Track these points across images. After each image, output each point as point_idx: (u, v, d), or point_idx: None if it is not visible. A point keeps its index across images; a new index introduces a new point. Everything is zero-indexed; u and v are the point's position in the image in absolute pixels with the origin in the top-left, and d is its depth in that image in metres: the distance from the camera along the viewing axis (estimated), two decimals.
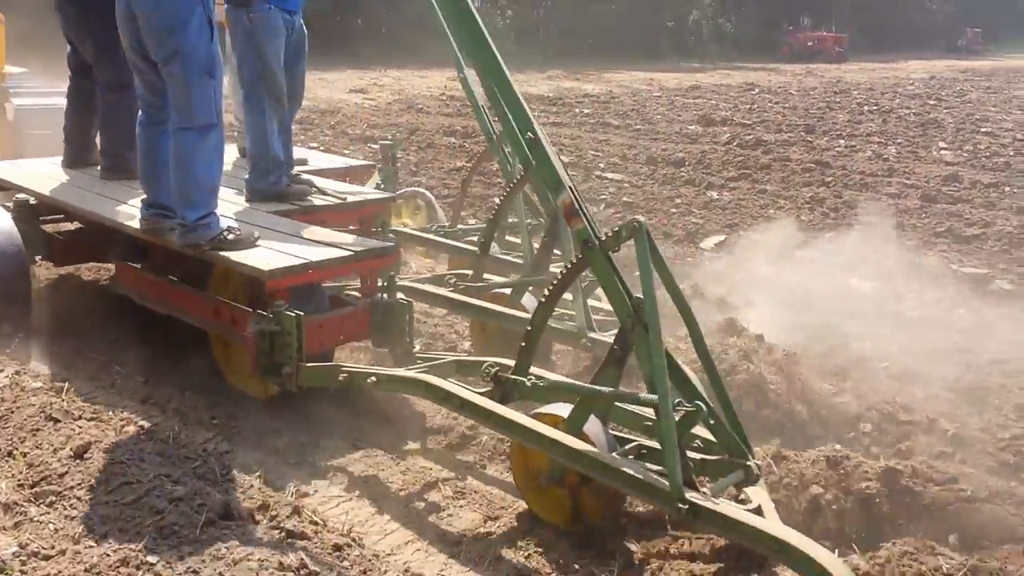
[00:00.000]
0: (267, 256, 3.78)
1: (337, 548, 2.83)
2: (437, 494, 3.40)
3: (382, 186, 5.75)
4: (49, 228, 5.00)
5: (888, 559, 2.63)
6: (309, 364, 3.57)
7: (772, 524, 2.56)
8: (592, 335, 3.95)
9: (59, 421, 3.49)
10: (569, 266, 3.08)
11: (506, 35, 34.98)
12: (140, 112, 4.11)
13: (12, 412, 3.61)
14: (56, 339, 4.64)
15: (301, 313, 3.55)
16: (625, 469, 2.75)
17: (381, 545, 3.06)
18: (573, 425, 2.93)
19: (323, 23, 29.15)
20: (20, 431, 3.47)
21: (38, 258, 4.94)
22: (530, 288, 4.35)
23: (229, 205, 4.41)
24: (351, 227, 4.62)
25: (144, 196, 4.14)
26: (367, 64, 26.02)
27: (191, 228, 3.88)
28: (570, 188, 2.87)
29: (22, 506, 3.00)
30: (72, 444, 3.28)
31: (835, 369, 4.20)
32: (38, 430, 3.46)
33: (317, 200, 4.65)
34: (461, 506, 3.32)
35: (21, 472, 3.19)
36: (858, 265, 5.90)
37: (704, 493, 2.68)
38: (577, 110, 16.25)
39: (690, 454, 2.85)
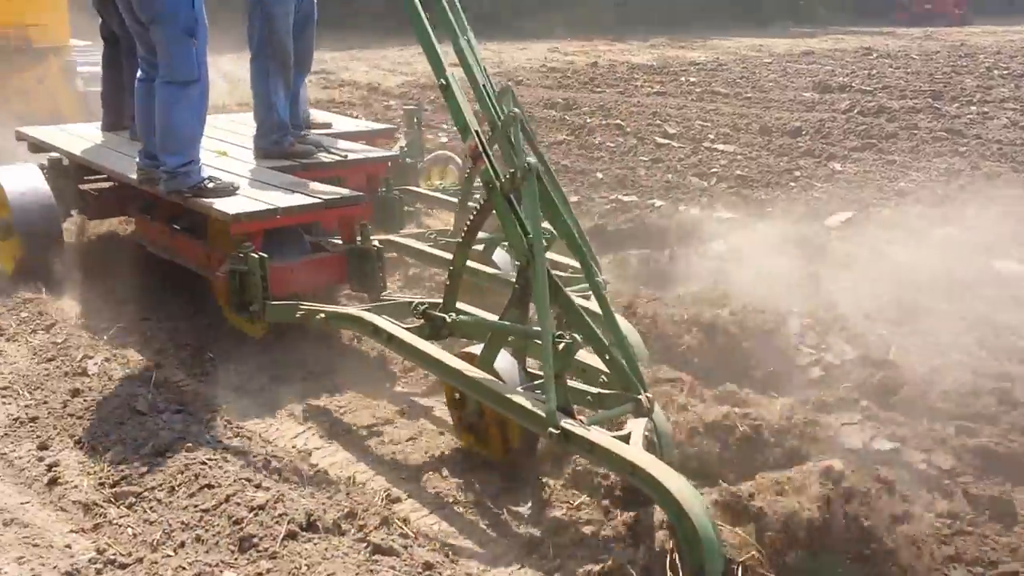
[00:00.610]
0: (238, 202, 4.12)
1: (428, 567, 2.54)
2: None
3: (406, 149, 5.88)
4: (88, 187, 5.29)
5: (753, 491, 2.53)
6: (273, 302, 3.81)
7: (630, 450, 2.57)
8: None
9: (144, 415, 3.33)
10: (478, 208, 3.16)
11: (606, 4, 34.28)
12: (139, 69, 4.44)
13: (99, 404, 3.47)
14: (147, 322, 4.54)
15: (266, 255, 3.83)
16: (510, 396, 2.84)
17: (473, 564, 2.73)
18: (483, 360, 3.07)
19: None
20: (105, 424, 3.32)
21: (74, 212, 5.33)
22: (503, 243, 4.29)
23: (236, 163, 4.89)
24: (353, 185, 4.80)
25: (140, 147, 4.53)
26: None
27: (173, 175, 4.23)
28: (476, 132, 2.98)
29: (102, 507, 2.85)
30: (155, 441, 3.10)
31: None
32: (122, 423, 3.31)
33: (322, 159, 4.95)
34: None
35: (103, 469, 3.03)
36: (1006, 246, 5.29)
37: (580, 421, 2.74)
38: (683, 79, 15.58)
39: (586, 387, 3.00)
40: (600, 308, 3.02)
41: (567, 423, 2.66)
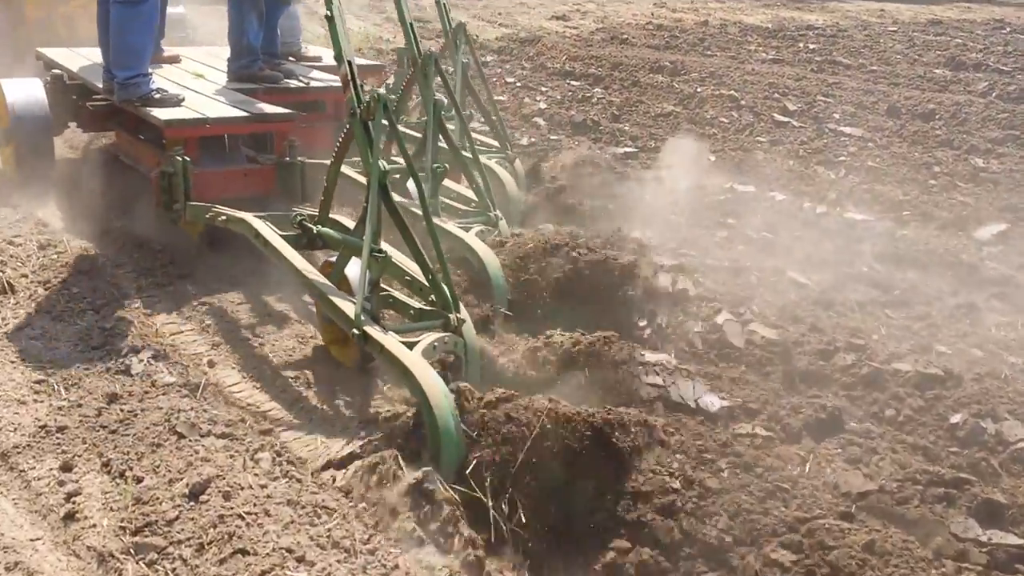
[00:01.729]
0: (176, 112, 4.60)
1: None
2: None
3: (391, 86, 5.77)
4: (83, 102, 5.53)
5: None
6: (191, 203, 4.21)
7: (407, 353, 2.87)
8: (436, 221, 3.97)
9: (184, 437, 2.87)
10: (344, 132, 3.40)
11: None
12: None
13: (136, 416, 3.03)
14: (204, 304, 4.12)
15: (188, 159, 4.24)
16: (331, 298, 3.21)
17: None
18: (335, 267, 3.51)
19: None
20: (139, 444, 2.88)
21: (71, 124, 5.66)
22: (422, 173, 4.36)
23: (208, 84, 5.35)
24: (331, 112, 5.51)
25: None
26: None
27: (124, 86, 4.70)
28: (348, 62, 3.19)
29: (118, 560, 2.40)
30: (191, 478, 2.64)
31: None
32: (158, 446, 2.85)
33: (288, 84, 5.44)
34: None
35: (127, 507, 2.58)
36: None
37: (383, 327, 3.06)
38: (800, 45, 14.49)
39: (408, 300, 3.34)
40: (428, 233, 3.26)
41: (371, 328, 2.99)
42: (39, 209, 5.18)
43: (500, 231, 4.30)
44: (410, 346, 2.95)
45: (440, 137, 4.30)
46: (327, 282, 3.36)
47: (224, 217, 3.96)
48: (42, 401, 3.17)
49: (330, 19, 3.29)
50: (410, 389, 2.79)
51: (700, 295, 3.87)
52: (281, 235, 3.64)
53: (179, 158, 4.21)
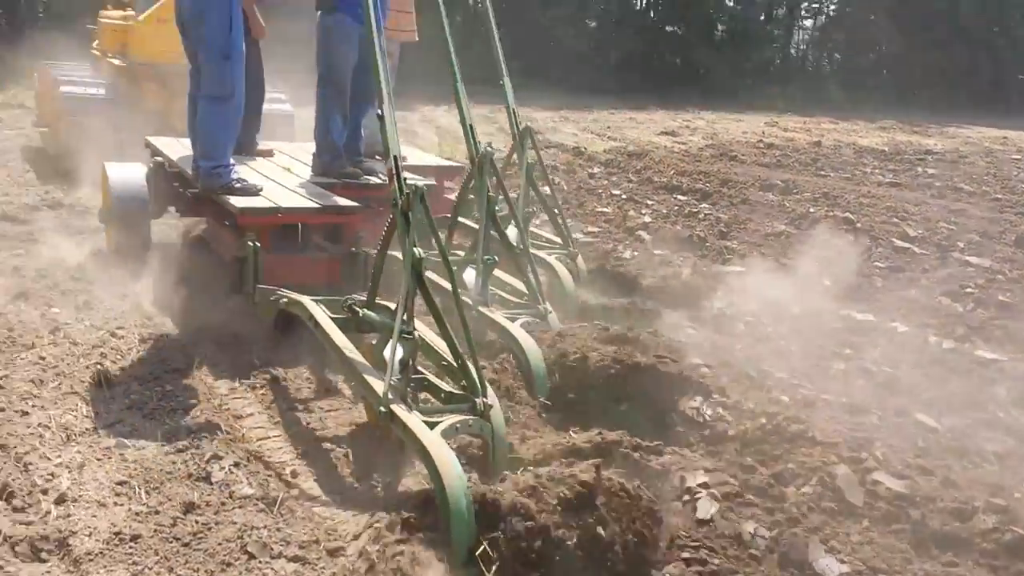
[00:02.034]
0: (251, 200, 4.90)
1: None
2: None
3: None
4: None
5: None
6: (260, 286, 4.37)
7: (427, 434, 2.89)
8: (483, 310, 4.26)
9: (253, 558, 2.72)
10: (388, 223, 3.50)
11: (832, 79, 32.57)
12: (190, 85, 5.29)
13: (210, 529, 2.90)
14: (297, 411, 4.01)
15: (259, 245, 4.51)
16: (364, 375, 3.32)
17: None
18: (375, 350, 3.63)
19: (638, 62, 28.67)
20: (209, 561, 2.73)
21: (170, 208, 5.81)
22: (471, 264, 4.56)
23: (293, 177, 5.70)
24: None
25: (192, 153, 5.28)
26: (680, 105, 25.00)
27: (208, 175, 5.03)
28: (394, 157, 3.37)
29: None
30: None
31: None
32: (228, 565, 2.71)
33: (367, 181, 5.59)
34: None
35: None
36: None
37: (409, 406, 3.11)
38: (919, 170, 14.09)
39: (438, 383, 3.40)
40: (461, 322, 3.29)
41: (396, 406, 3.05)
42: (145, 299, 5.27)
43: (550, 324, 4.39)
44: (432, 426, 3.00)
45: (493, 231, 4.45)
46: (364, 362, 3.47)
47: (286, 300, 4.16)
48: (121, 504, 3.07)
49: (380, 117, 3.50)
50: (426, 468, 2.83)
51: (810, 434, 3.54)
52: (332, 317, 3.83)
53: (251, 244, 4.50)
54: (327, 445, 3.73)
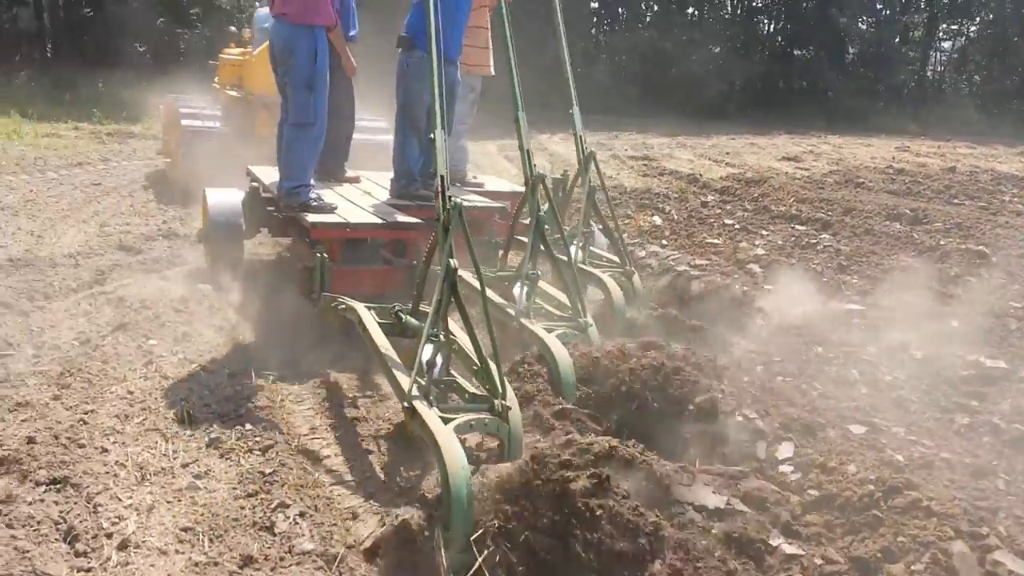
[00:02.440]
0: (323, 216, 5.39)
1: None
2: None
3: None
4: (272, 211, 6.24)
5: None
6: (325, 293, 4.79)
7: (440, 427, 3.13)
8: (524, 321, 4.48)
9: None
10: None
11: (971, 102, 30.85)
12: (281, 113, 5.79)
13: None
14: (369, 453, 3.89)
15: (325, 255, 4.91)
16: (394, 372, 3.66)
17: None
18: (410, 351, 3.84)
19: (762, 86, 27.91)
20: None
21: (263, 229, 6.36)
22: (520, 280, 4.79)
23: (371, 199, 6.16)
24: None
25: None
26: (805, 129, 24.16)
27: (288, 194, 5.59)
28: (441, 176, 3.70)
29: None
30: None
31: None
32: None
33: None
34: None
35: None
36: None
37: (430, 402, 3.40)
38: None
39: (464, 384, 3.72)
40: (487, 330, 3.51)
41: (419, 403, 3.30)
42: (242, 330, 5.31)
43: (590, 337, 4.47)
44: (447, 422, 3.18)
45: (542, 247, 4.70)
46: (399, 361, 3.77)
47: (344, 306, 4.50)
48: (183, 553, 3.01)
49: (432, 140, 3.89)
50: (435, 458, 3.01)
51: (925, 502, 3.17)
52: (379, 322, 4.17)
53: (319, 255, 4.92)
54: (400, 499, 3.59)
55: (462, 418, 3.29)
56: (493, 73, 7.26)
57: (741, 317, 5.63)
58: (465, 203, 5.56)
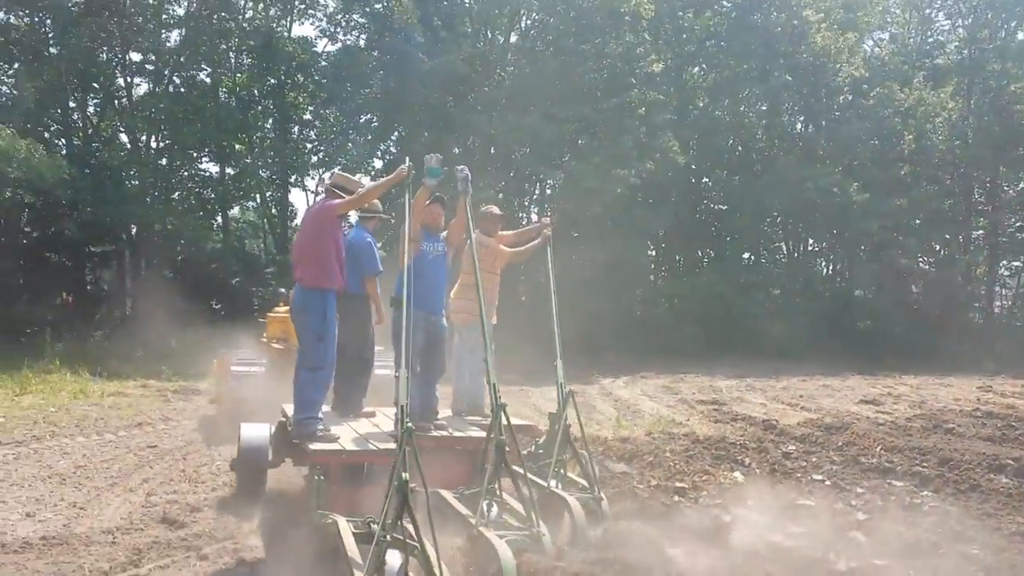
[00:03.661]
0: (324, 444, 6.08)
1: None
2: None
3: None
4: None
5: None
6: (320, 511, 5.44)
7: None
8: (481, 528, 5.17)
9: None
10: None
11: None
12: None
13: None
14: None
15: (323, 479, 5.71)
16: (354, 570, 4.40)
17: None
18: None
19: (826, 326, 27.56)
20: None
21: (287, 459, 6.85)
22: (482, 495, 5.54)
23: (374, 429, 6.73)
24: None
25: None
26: (875, 369, 23.44)
27: (298, 425, 6.29)
28: (401, 407, 4.81)
29: None
30: None
31: None
32: None
33: (433, 434, 6.68)
34: None
35: None
36: None
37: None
38: None
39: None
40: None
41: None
42: None
43: (543, 544, 5.09)
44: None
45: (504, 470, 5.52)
46: (360, 562, 4.44)
47: (330, 520, 5.10)
48: None
49: (397, 378, 4.91)
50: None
51: None
52: (354, 532, 4.81)
53: (317, 477, 5.65)
54: None
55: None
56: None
57: None
58: (454, 433, 6.74)
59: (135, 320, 22.81)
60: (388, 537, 4.21)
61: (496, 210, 7.92)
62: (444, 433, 6.76)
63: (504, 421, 5.60)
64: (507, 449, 5.46)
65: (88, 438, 10.27)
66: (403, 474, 4.11)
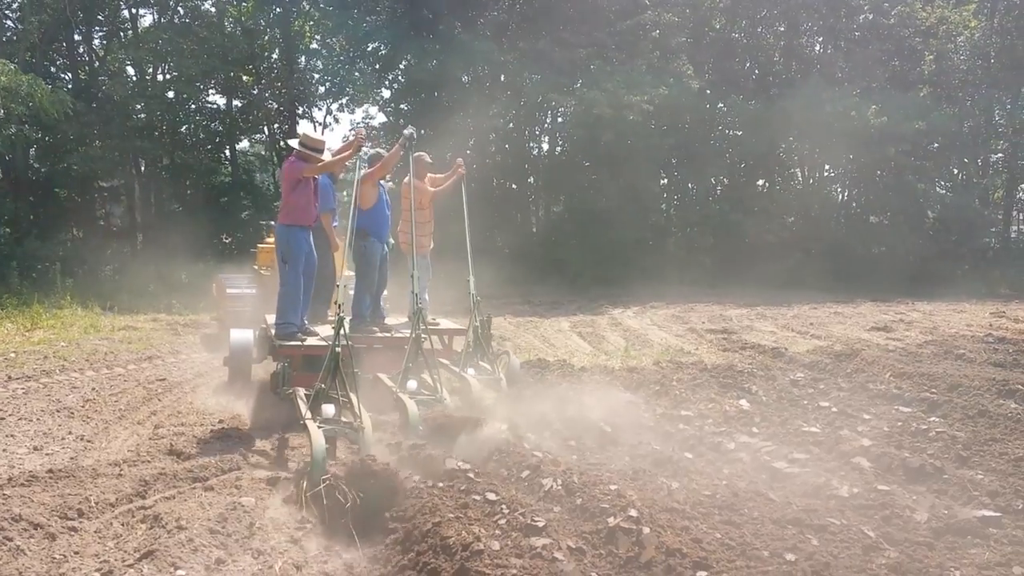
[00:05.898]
0: (288, 341, 8.05)
1: None
2: None
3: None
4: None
5: None
6: (287, 388, 7.29)
7: (314, 428, 6.01)
8: (399, 393, 7.53)
9: None
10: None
11: None
12: None
13: None
14: None
15: (287, 364, 7.50)
16: (304, 416, 6.41)
17: None
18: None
19: (840, 253, 27.29)
20: None
21: (268, 356, 8.64)
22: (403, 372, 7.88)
23: (328, 330, 7.57)
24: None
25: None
26: (888, 296, 23.27)
27: (277, 327, 8.23)
28: (340, 317, 6.76)
29: None
30: None
31: None
32: None
33: (376, 335, 8.92)
34: None
35: None
36: None
37: (317, 420, 6.28)
38: None
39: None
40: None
41: (308, 421, 6.21)
42: (277, 559, 4.75)
43: (445, 406, 7.29)
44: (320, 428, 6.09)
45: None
46: (309, 413, 6.39)
47: (290, 392, 7.14)
48: None
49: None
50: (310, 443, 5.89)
51: None
52: (306, 394, 6.77)
53: (282, 365, 7.41)
54: None
55: (332, 426, 6.16)
56: (432, 245, 10.44)
57: None
58: (395, 334, 8.89)
59: (145, 254, 22.86)
60: (324, 386, 6.48)
61: (427, 157, 10.12)
62: (386, 334, 8.96)
63: (422, 323, 7.80)
64: (423, 341, 7.79)
65: (97, 372, 10.34)
66: (336, 348, 6.50)
